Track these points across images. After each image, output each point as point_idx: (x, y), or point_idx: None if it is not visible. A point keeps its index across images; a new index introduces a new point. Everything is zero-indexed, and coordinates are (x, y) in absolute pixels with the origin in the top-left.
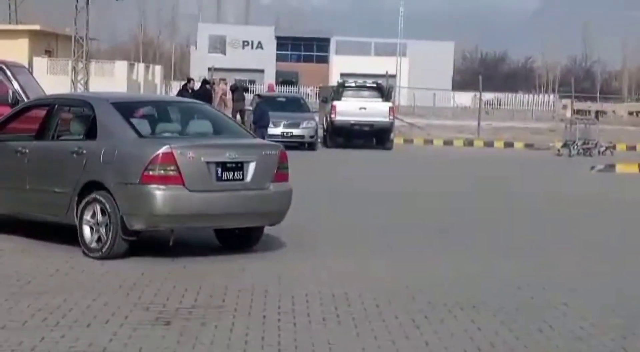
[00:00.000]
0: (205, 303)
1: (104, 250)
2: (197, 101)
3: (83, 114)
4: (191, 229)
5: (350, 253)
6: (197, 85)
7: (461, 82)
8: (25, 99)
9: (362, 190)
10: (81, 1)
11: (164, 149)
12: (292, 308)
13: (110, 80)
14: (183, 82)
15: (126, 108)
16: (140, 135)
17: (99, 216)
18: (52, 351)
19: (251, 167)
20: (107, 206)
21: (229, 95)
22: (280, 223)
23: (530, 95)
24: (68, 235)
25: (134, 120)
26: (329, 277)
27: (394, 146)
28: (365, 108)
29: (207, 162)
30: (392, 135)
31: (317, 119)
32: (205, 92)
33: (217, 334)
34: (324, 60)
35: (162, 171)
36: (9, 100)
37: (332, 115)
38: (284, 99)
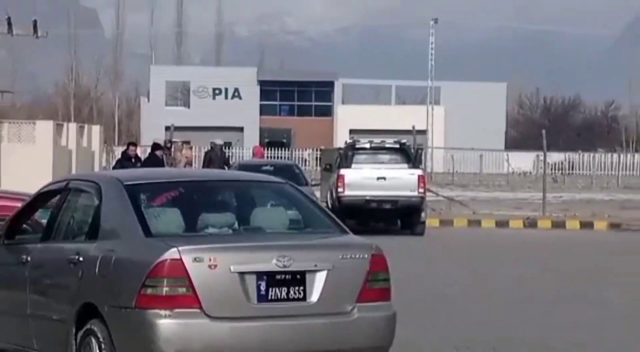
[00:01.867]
0: None
1: None
2: (273, 178)
3: (90, 203)
4: None
5: None
6: (141, 153)
7: (518, 139)
8: None
9: None
10: (17, 48)
11: (168, 253)
12: None
13: (30, 146)
14: (123, 148)
15: (143, 192)
16: (147, 232)
17: None
18: None
19: (319, 280)
20: (102, 341)
21: (199, 165)
22: None
23: (615, 155)
24: None
25: (151, 211)
26: None
27: (426, 230)
28: (384, 178)
29: (241, 273)
30: (423, 215)
31: (317, 194)
32: (155, 162)
33: None
34: (327, 112)
35: (166, 288)
36: None
37: (340, 189)
38: (271, 168)
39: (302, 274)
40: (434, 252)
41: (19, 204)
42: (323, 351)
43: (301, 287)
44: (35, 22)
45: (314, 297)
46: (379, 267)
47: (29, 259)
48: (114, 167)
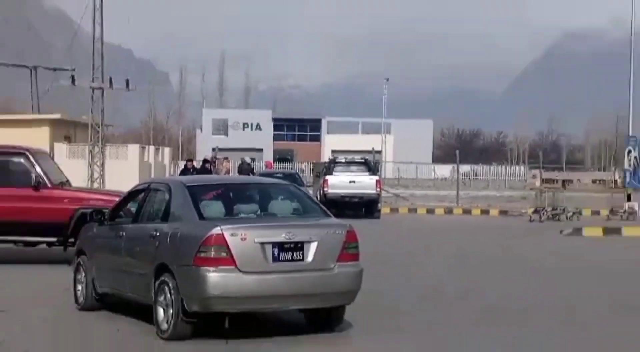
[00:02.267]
0: None
1: (169, 331)
2: (282, 182)
3: (163, 197)
4: (247, 311)
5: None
6: (198, 164)
7: (440, 156)
8: (47, 182)
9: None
10: (97, 92)
11: (214, 230)
12: None
13: (124, 162)
14: (184, 163)
15: (199, 191)
16: (201, 217)
17: (168, 298)
18: None
19: (312, 247)
20: (172, 288)
21: (234, 173)
22: (350, 303)
23: (503, 167)
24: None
25: (204, 203)
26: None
27: (381, 215)
28: (354, 182)
29: (262, 243)
30: (379, 205)
31: (311, 192)
32: (204, 170)
33: None
34: (317, 139)
35: (213, 253)
36: (32, 183)
37: (325, 189)
38: (280, 175)
39: (302, 244)
40: (387, 230)
41: (117, 199)
42: (314, 294)
43: (301, 252)
44: (127, 80)
45: (309, 258)
46: (351, 239)
47: (123, 234)
48: (179, 175)
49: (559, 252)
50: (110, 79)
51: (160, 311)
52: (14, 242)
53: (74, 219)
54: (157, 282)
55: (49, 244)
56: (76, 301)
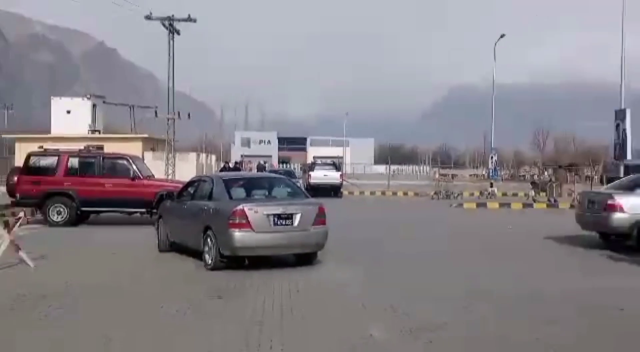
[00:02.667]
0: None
1: (210, 265)
2: (281, 176)
3: (209, 186)
4: (259, 255)
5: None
6: (232, 165)
7: (378, 160)
8: (140, 175)
9: (329, 214)
10: (170, 121)
11: (239, 207)
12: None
13: (187, 163)
14: (223, 163)
15: (229, 181)
16: (231, 198)
17: (210, 246)
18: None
19: (297, 217)
20: (212, 240)
21: (255, 171)
22: (320, 250)
23: (416, 167)
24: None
25: (233, 189)
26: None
27: (343, 196)
28: (326, 175)
29: (267, 215)
30: (341, 190)
31: (301, 181)
32: (236, 169)
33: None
34: (304, 149)
35: (237, 220)
36: (130, 176)
37: (309, 179)
38: (282, 171)
39: (291, 214)
40: (346, 204)
41: (181, 185)
42: (299, 244)
43: (290, 220)
44: (189, 114)
45: (296, 223)
46: (321, 212)
47: (185, 206)
48: (219, 171)
49: (449, 216)
50: (179, 112)
51: (206, 253)
52: (121, 212)
53: (156, 198)
54: (204, 237)
55: (141, 213)
56: (158, 246)
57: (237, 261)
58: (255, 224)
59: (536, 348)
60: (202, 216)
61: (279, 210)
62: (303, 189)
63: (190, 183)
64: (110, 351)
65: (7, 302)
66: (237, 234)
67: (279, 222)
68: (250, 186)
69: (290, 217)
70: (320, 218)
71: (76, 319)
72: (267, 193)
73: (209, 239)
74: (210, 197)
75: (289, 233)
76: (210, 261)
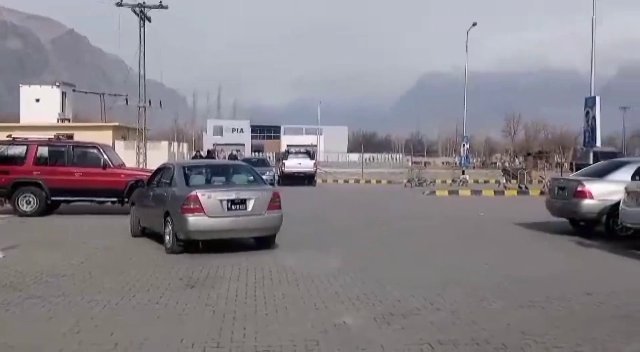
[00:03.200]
0: (214, 275)
1: (169, 249)
2: (242, 163)
3: (170, 173)
4: (215, 239)
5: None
6: (204, 153)
7: (351, 148)
8: (111, 164)
9: (300, 200)
10: (141, 109)
11: (192, 193)
12: (264, 276)
13: (158, 152)
14: (194, 152)
15: (189, 168)
16: (187, 184)
17: (169, 230)
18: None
19: (251, 202)
20: (171, 225)
21: (226, 159)
22: (275, 234)
23: (389, 155)
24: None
25: (192, 176)
26: (291, 258)
27: (317, 184)
28: (300, 163)
29: (220, 200)
30: (315, 178)
31: (274, 170)
32: (209, 157)
33: (220, 292)
34: (278, 137)
35: (192, 206)
36: (101, 165)
37: (283, 168)
38: (256, 160)
39: (245, 200)
40: (320, 192)
41: (150, 174)
42: (253, 229)
43: (244, 205)
44: (160, 102)
45: (249, 208)
46: (276, 197)
47: (151, 193)
48: (192, 159)
49: (422, 204)
50: (150, 101)
51: (166, 237)
52: (91, 201)
53: (127, 187)
54: (164, 221)
55: (112, 202)
56: (130, 231)
57: (193, 245)
58: (209, 209)
59: (507, 333)
60: (163, 201)
61: (232, 195)
62: (275, 176)
63: (157, 170)
64: (81, 341)
65: None
66: (191, 219)
67: (232, 207)
68: (211, 172)
69: (243, 202)
70: (275, 203)
71: (47, 310)
72: (225, 180)
73: (168, 224)
74: (170, 183)
75: (242, 218)
76: (169, 245)
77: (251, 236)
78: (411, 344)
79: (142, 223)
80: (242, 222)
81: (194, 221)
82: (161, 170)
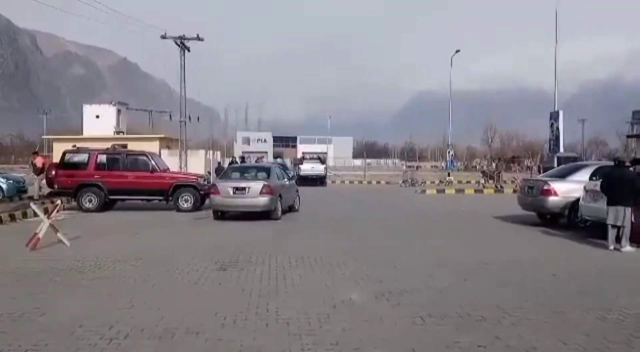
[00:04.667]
0: (243, 260)
1: (212, 216)
2: (258, 165)
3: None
4: (227, 211)
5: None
6: (239, 160)
7: (355, 155)
8: (157, 169)
9: (314, 197)
10: (182, 123)
11: (214, 182)
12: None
13: (197, 159)
14: (230, 158)
15: (227, 168)
16: (217, 177)
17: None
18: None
19: (249, 189)
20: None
21: (253, 163)
22: (269, 210)
23: (387, 160)
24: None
25: (226, 173)
26: (307, 244)
27: (327, 185)
28: (313, 168)
29: (230, 187)
30: (326, 180)
31: (293, 173)
32: (242, 162)
33: (247, 274)
34: (295, 146)
35: (213, 190)
36: (150, 169)
37: (299, 171)
38: (277, 164)
39: (244, 187)
40: (330, 191)
41: (192, 177)
42: (252, 205)
43: (244, 191)
44: (198, 117)
45: (248, 193)
46: (265, 186)
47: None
48: (228, 165)
49: (414, 200)
50: (189, 116)
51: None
52: (141, 199)
53: (170, 187)
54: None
55: (159, 200)
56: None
57: (221, 214)
58: (222, 192)
59: (486, 307)
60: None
61: (236, 184)
62: (289, 174)
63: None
64: (134, 315)
65: (49, 273)
66: (213, 197)
67: (236, 192)
68: (239, 170)
69: (243, 189)
70: (266, 190)
71: (106, 289)
72: (240, 175)
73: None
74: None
75: (241, 198)
76: (213, 215)
77: (249, 210)
78: (406, 316)
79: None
80: (241, 201)
81: (214, 198)
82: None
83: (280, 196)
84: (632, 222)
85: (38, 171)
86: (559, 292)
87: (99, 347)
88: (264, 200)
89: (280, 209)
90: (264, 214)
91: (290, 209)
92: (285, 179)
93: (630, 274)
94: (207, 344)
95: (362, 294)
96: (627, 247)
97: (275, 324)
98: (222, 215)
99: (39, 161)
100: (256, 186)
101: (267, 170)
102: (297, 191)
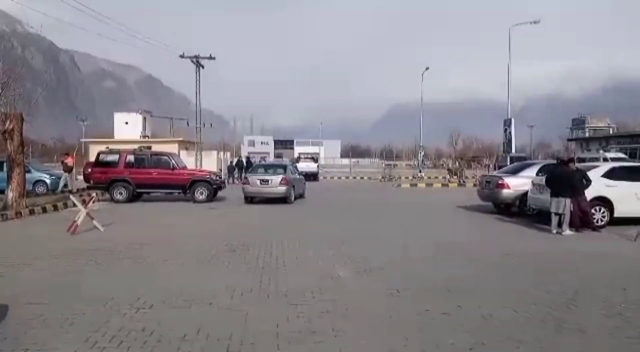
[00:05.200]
0: (249, 243)
1: (244, 203)
2: (276, 163)
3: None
4: (256, 198)
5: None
6: (245, 159)
7: (343, 155)
8: (177, 167)
9: (314, 191)
10: (197, 129)
11: (246, 175)
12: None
13: (210, 158)
14: (237, 158)
15: (256, 166)
16: (248, 171)
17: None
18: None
19: (271, 181)
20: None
21: (259, 162)
22: (287, 197)
23: (369, 159)
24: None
25: (254, 168)
26: (303, 230)
27: (320, 180)
28: (308, 166)
29: (257, 179)
30: (319, 175)
31: (287, 173)
32: (248, 161)
33: (253, 254)
34: (292, 148)
35: (244, 181)
36: (171, 167)
37: (298, 169)
38: (278, 163)
39: (268, 179)
40: (323, 186)
41: (206, 174)
42: (273, 193)
43: (268, 182)
44: (211, 124)
45: (271, 184)
46: (283, 179)
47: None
48: (235, 164)
49: (391, 192)
50: (204, 123)
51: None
52: (164, 192)
53: (188, 183)
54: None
55: (178, 193)
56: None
57: (250, 200)
58: (251, 183)
59: (449, 281)
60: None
61: (261, 177)
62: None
63: (250, 166)
64: (157, 290)
65: (86, 254)
66: (245, 187)
67: (262, 183)
68: (263, 167)
69: (267, 181)
70: (284, 181)
71: (135, 268)
72: (264, 171)
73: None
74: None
75: (267, 187)
76: (244, 202)
77: (271, 196)
78: (383, 289)
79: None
80: (266, 189)
81: (245, 188)
82: (253, 164)
83: (293, 186)
84: (571, 211)
85: (69, 169)
86: (511, 269)
87: (128, 316)
88: (282, 189)
89: (293, 195)
90: (282, 200)
91: (300, 196)
92: (297, 174)
93: (569, 253)
94: (218, 313)
95: (347, 271)
96: (567, 231)
97: (276, 296)
98: (251, 200)
99: (69, 161)
100: (276, 178)
101: (284, 167)
102: (304, 183)
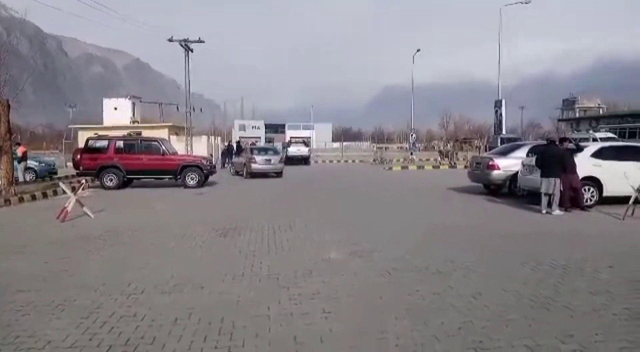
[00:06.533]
0: (240, 227)
1: (245, 178)
2: (273, 146)
3: (247, 150)
4: (260, 174)
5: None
6: (235, 144)
7: (334, 139)
8: (167, 152)
9: (301, 174)
10: (187, 114)
11: (252, 156)
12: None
13: (200, 143)
14: (227, 143)
15: (255, 149)
16: (252, 153)
17: (246, 169)
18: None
19: (272, 160)
20: (247, 168)
21: (250, 146)
22: (282, 171)
23: (361, 143)
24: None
25: (254, 151)
26: (294, 214)
27: (311, 164)
28: (299, 150)
29: (262, 158)
30: (310, 159)
31: (282, 154)
32: (238, 147)
33: (244, 238)
34: (283, 132)
35: (252, 160)
36: (160, 152)
37: (287, 153)
38: (270, 147)
39: (270, 159)
40: (312, 169)
41: (196, 159)
42: (272, 170)
43: (270, 160)
44: (201, 108)
45: (273, 162)
46: (281, 158)
47: (241, 156)
48: (226, 148)
49: (382, 175)
50: (193, 107)
51: (244, 172)
52: (154, 178)
53: (178, 168)
54: (244, 166)
55: (168, 178)
56: (230, 173)
57: (254, 176)
58: (257, 162)
59: (441, 262)
60: (246, 158)
61: (266, 157)
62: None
63: (240, 149)
64: (148, 274)
65: (77, 241)
66: (252, 165)
67: (265, 162)
68: (260, 149)
69: (269, 160)
70: (281, 161)
71: (125, 253)
72: (265, 152)
73: (246, 167)
74: (250, 153)
75: (269, 165)
76: (245, 176)
77: (272, 172)
78: (375, 271)
79: (235, 169)
80: (269, 167)
81: (252, 165)
82: (243, 149)
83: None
84: (560, 191)
85: (19, 159)
86: (500, 249)
87: (119, 302)
88: (280, 166)
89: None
90: (279, 175)
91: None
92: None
93: (558, 233)
94: (210, 297)
95: (339, 253)
96: (557, 211)
97: (267, 279)
98: (253, 176)
99: (20, 151)
100: (276, 158)
101: (275, 150)
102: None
